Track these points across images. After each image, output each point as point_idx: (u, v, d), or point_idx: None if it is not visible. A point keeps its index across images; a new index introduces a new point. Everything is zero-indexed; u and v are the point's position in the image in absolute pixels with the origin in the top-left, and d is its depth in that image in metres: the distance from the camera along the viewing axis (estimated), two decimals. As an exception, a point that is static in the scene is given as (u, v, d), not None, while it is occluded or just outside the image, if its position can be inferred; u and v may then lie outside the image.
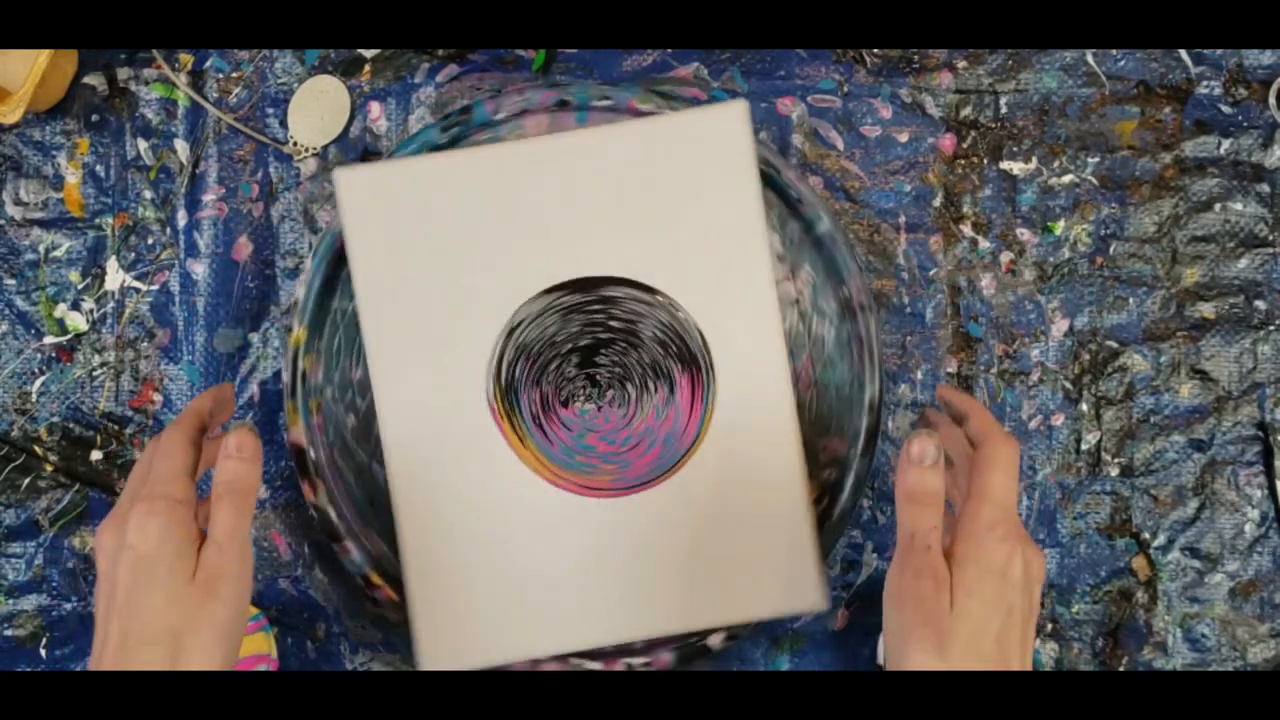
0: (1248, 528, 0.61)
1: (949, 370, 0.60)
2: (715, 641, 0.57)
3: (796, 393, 0.57)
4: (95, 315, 0.60)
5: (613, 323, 0.57)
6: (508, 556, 0.56)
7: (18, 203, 0.60)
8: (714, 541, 0.56)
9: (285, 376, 0.57)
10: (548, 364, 0.57)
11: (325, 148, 0.60)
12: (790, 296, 0.58)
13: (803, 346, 0.58)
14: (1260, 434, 0.61)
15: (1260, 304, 0.61)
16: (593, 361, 0.57)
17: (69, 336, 0.60)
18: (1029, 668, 0.44)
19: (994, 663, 0.42)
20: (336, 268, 0.57)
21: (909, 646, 0.43)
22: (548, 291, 0.57)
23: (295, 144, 0.60)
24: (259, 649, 0.57)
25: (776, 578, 0.56)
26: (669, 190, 0.56)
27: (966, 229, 0.61)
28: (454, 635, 0.56)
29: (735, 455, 0.57)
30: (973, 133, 0.61)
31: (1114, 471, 0.61)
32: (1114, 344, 0.61)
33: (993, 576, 0.43)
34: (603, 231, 0.57)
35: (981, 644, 0.42)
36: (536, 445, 0.57)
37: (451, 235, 0.56)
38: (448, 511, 0.56)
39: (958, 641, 0.42)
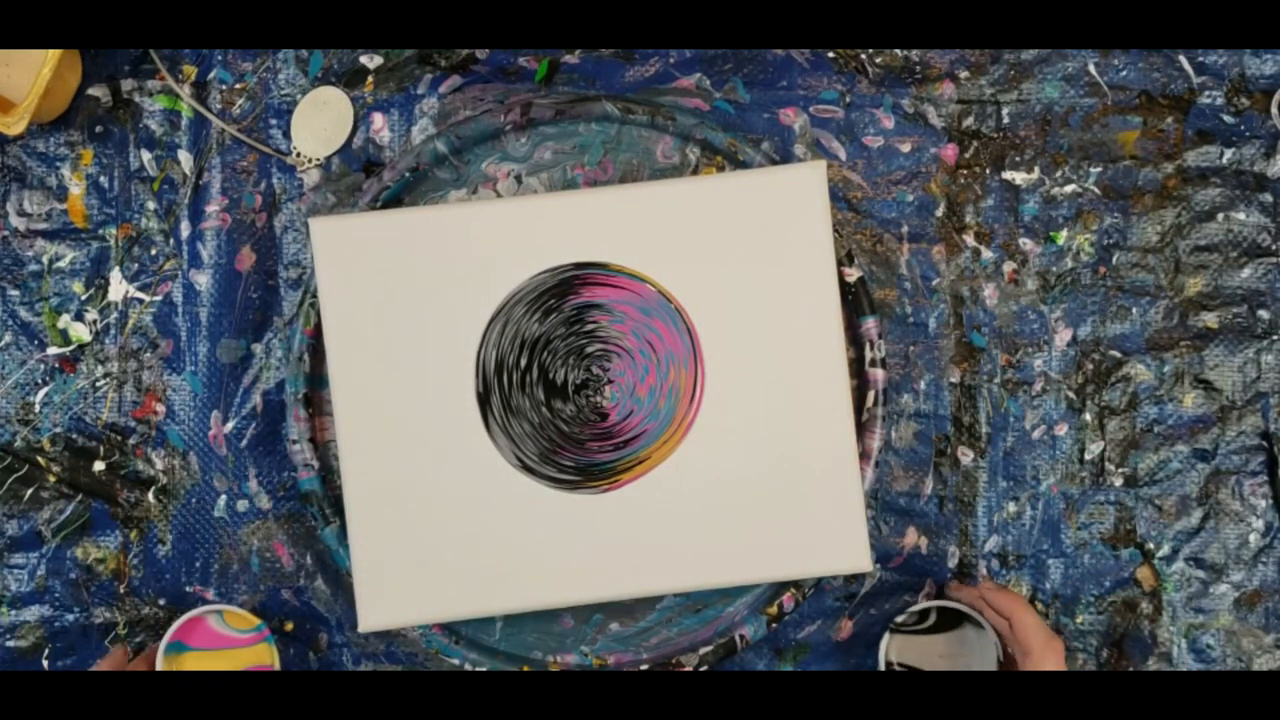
0: (1252, 538, 0.60)
1: (952, 380, 0.60)
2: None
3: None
4: (98, 326, 0.60)
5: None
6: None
7: (21, 213, 0.60)
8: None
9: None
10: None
11: (328, 158, 0.60)
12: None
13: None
14: (1264, 444, 0.61)
15: (1264, 313, 0.61)
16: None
17: (72, 347, 0.60)
18: None
19: None
20: None
21: None
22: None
23: (298, 155, 0.60)
24: (261, 660, 0.57)
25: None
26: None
27: (969, 239, 0.61)
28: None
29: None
30: (975, 143, 0.61)
31: (1118, 481, 0.60)
32: (1117, 354, 0.61)
33: None
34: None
35: None
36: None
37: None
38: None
39: None
